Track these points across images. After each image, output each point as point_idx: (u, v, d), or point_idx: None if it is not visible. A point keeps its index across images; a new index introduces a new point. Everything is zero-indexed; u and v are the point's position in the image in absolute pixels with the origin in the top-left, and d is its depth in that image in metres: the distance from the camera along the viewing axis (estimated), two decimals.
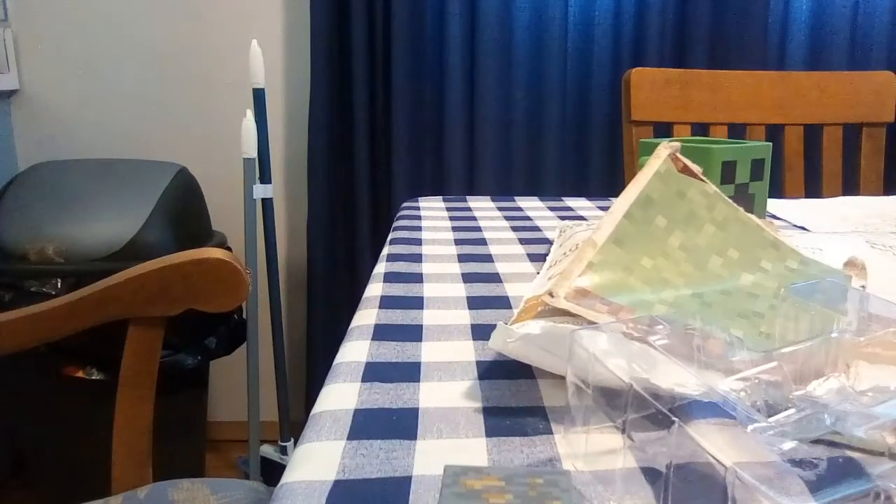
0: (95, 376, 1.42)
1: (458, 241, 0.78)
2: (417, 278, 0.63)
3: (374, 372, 0.43)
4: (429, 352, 0.47)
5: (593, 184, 1.81)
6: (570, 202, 1.05)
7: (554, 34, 1.73)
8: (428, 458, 0.34)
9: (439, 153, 1.79)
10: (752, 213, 0.62)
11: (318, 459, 0.34)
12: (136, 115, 1.88)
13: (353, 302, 1.87)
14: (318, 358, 1.88)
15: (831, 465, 0.28)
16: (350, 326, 0.52)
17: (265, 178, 1.63)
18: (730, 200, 0.49)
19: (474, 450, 0.35)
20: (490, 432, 0.36)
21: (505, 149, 1.79)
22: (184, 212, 1.60)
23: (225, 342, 1.60)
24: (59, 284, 1.40)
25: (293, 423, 1.78)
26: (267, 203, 1.65)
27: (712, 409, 0.28)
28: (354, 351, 0.47)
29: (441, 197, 1.09)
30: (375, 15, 1.73)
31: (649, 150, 0.69)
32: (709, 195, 0.49)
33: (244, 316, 1.64)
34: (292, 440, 1.76)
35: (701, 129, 1.29)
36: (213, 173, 1.87)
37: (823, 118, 1.29)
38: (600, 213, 0.97)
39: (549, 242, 0.78)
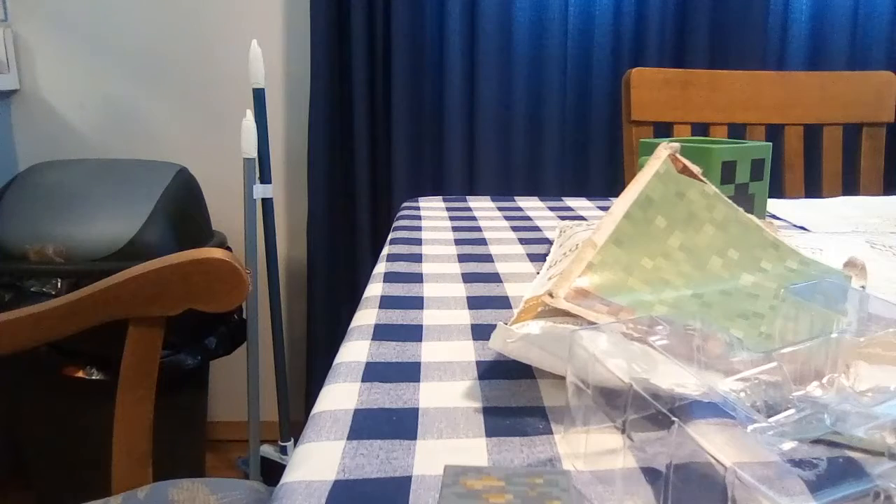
0: (95, 376, 1.42)
1: (458, 241, 0.78)
2: (417, 278, 0.63)
3: (374, 372, 0.43)
4: (429, 352, 0.47)
5: (593, 184, 1.81)
6: (570, 202, 1.05)
7: (554, 34, 1.73)
8: (428, 458, 0.34)
9: (439, 153, 1.79)
10: (752, 213, 0.62)
11: (318, 459, 0.34)
12: (136, 115, 1.88)
13: (353, 302, 1.87)
14: (318, 358, 1.88)
15: (831, 465, 0.28)
16: (350, 326, 0.52)
17: (265, 178, 1.63)
18: (729, 201, 0.49)
19: (474, 450, 0.35)
20: (490, 432, 0.36)
21: (505, 149, 1.79)
22: (184, 212, 1.60)
23: (225, 342, 1.60)
24: (59, 284, 1.40)
25: (293, 423, 1.78)
26: (267, 203, 1.65)
27: (712, 409, 0.28)
28: (354, 351, 0.47)
29: (441, 197, 1.09)
30: (375, 15, 1.73)
31: (649, 150, 0.69)
32: (708, 196, 0.49)
33: (244, 316, 1.64)
34: (292, 440, 1.76)
35: (701, 129, 1.29)
36: (213, 173, 1.87)
37: (823, 118, 1.29)
38: (600, 213, 0.97)
39: (549, 242, 0.78)
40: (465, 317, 0.54)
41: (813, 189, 1.42)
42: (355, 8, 1.71)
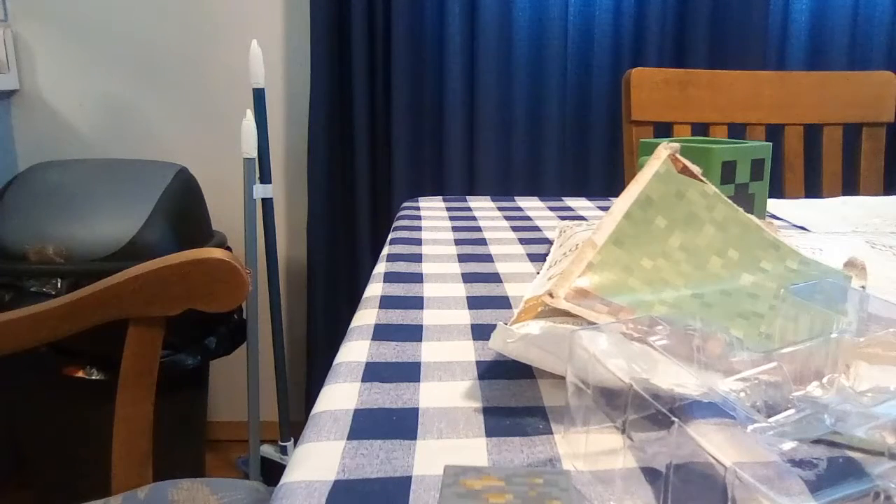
0: (95, 376, 1.42)
1: (458, 241, 0.78)
2: (417, 278, 0.63)
3: (374, 372, 0.43)
4: (429, 352, 0.47)
5: (593, 184, 1.81)
6: (570, 202, 1.05)
7: (554, 34, 1.73)
8: (428, 458, 0.34)
9: (439, 153, 1.79)
10: (752, 213, 0.62)
11: (318, 459, 0.34)
12: (136, 115, 1.88)
13: (353, 302, 1.87)
14: (318, 358, 1.88)
15: (831, 465, 0.28)
16: (350, 326, 0.52)
17: (265, 178, 1.63)
18: (730, 201, 0.49)
19: (474, 450, 0.35)
20: (490, 432, 0.36)
21: (505, 149, 1.80)
22: (184, 212, 1.60)
23: (225, 342, 1.60)
24: (59, 284, 1.40)
25: (293, 423, 1.78)
26: (267, 203, 1.65)
27: (712, 409, 0.28)
28: (354, 351, 0.47)
29: (441, 197, 1.09)
30: (375, 15, 1.73)
31: (649, 150, 0.69)
32: (708, 196, 0.49)
33: (244, 316, 1.64)
34: (292, 440, 1.76)
35: (701, 129, 1.29)
36: (213, 173, 1.87)
37: (823, 118, 1.29)
38: (600, 213, 0.97)
39: (549, 242, 0.78)
40: (465, 317, 0.54)
41: (813, 189, 1.42)
42: (355, 8, 1.71)
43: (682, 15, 1.74)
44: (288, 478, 0.33)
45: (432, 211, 0.97)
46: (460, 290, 0.60)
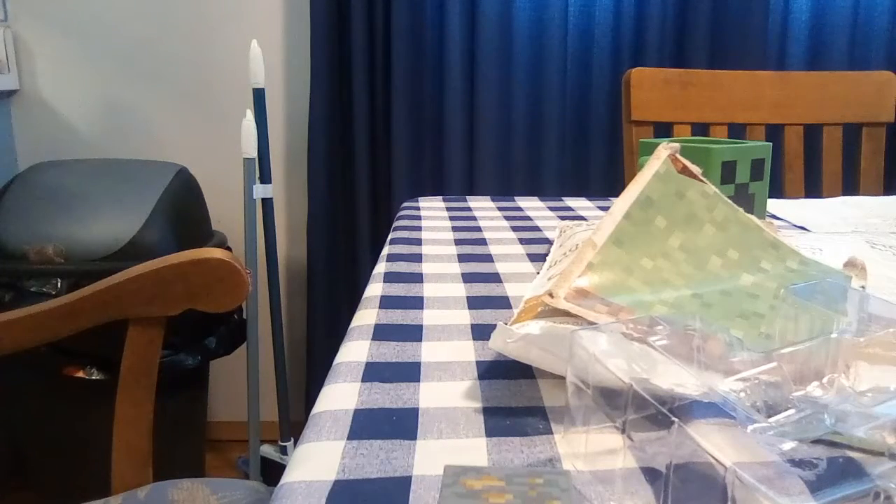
0: (95, 376, 1.42)
1: (458, 241, 0.78)
2: (417, 278, 0.63)
3: (374, 372, 0.43)
4: (429, 352, 0.47)
5: (593, 184, 1.81)
6: (570, 202, 1.05)
7: (554, 34, 1.73)
8: (428, 458, 0.34)
9: (439, 153, 1.79)
10: (752, 213, 0.62)
11: (318, 459, 0.34)
12: (136, 115, 1.88)
13: (353, 302, 1.87)
14: (318, 358, 1.88)
15: (831, 465, 0.28)
16: (350, 326, 0.52)
17: (265, 178, 1.63)
18: (729, 201, 0.49)
19: (474, 450, 0.35)
20: (490, 432, 0.36)
21: (505, 149, 1.79)
22: (184, 212, 1.60)
23: (225, 342, 1.60)
24: (59, 284, 1.40)
25: (293, 423, 1.78)
26: (267, 203, 1.65)
27: (712, 409, 0.28)
28: (354, 351, 0.47)
29: (441, 197, 1.09)
30: (375, 15, 1.73)
31: (649, 150, 0.69)
32: (708, 196, 0.49)
33: (244, 316, 1.64)
34: (292, 440, 1.76)
35: (701, 129, 1.29)
36: (213, 173, 1.87)
37: (823, 118, 1.29)
38: (600, 213, 0.97)
39: (549, 242, 0.78)
40: (465, 317, 0.54)
41: (813, 189, 1.42)
42: (355, 8, 1.71)
43: (682, 15, 1.74)
44: (288, 478, 0.33)
45: (432, 211, 0.97)
46: (460, 290, 0.60)
